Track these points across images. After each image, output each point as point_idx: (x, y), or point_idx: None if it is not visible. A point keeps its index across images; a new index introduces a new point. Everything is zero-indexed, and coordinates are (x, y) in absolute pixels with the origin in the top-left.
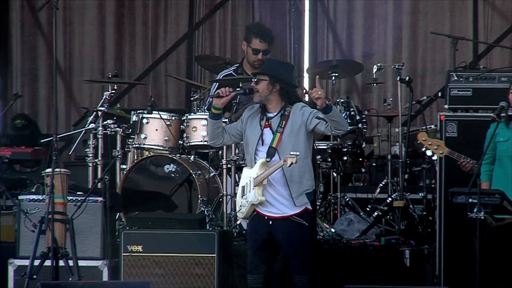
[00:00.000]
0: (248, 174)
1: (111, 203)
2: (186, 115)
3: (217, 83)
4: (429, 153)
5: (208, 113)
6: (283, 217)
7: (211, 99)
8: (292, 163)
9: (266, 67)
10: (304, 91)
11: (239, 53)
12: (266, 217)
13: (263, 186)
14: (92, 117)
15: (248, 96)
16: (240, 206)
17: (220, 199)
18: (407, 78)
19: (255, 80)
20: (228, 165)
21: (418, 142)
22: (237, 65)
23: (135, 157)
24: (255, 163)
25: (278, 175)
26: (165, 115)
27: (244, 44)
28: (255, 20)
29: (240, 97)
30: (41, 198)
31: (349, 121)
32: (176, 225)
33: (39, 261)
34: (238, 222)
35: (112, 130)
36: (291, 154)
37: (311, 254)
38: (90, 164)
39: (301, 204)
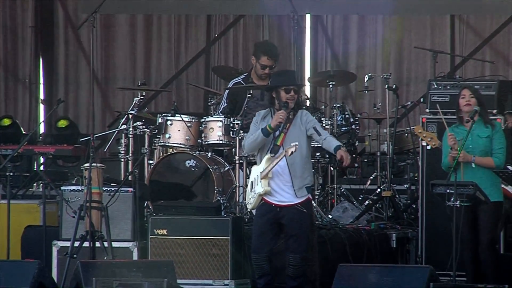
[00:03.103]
0: (256, 170)
1: (140, 193)
2: (204, 117)
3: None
4: (424, 143)
5: (261, 130)
6: (289, 205)
7: (225, 104)
8: (292, 152)
9: (293, 79)
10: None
11: (250, 64)
12: (273, 205)
13: (269, 179)
14: (124, 119)
15: (256, 103)
16: (250, 198)
17: (234, 190)
18: (394, 86)
19: (293, 90)
20: (240, 161)
21: (415, 133)
22: (246, 74)
23: (161, 154)
24: None
25: (282, 169)
26: (186, 118)
27: (253, 59)
28: (264, 36)
29: (250, 103)
30: (80, 189)
31: (344, 123)
32: (196, 212)
33: (78, 242)
34: (248, 210)
35: (141, 130)
36: (290, 145)
37: (307, 238)
38: (122, 160)
39: (302, 195)
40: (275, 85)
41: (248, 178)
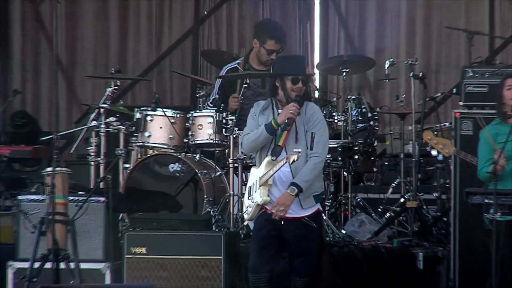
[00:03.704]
0: (255, 174)
1: (114, 203)
2: (191, 112)
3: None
4: (434, 152)
5: (265, 127)
6: (295, 218)
7: (217, 95)
8: (294, 160)
9: (301, 68)
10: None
11: (246, 47)
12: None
13: (269, 186)
14: (94, 114)
15: (254, 91)
16: (247, 207)
17: (227, 200)
18: (421, 74)
19: (301, 81)
20: (235, 164)
21: (423, 141)
22: (243, 58)
23: (139, 156)
24: None
25: (286, 174)
26: (169, 112)
27: (256, 43)
28: (264, 14)
29: (247, 92)
30: (41, 198)
31: (360, 118)
32: (181, 226)
33: (39, 263)
34: (245, 223)
35: (115, 127)
36: (293, 151)
37: (315, 257)
38: (92, 163)
39: (308, 206)
40: (281, 73)
41: (245, 184)
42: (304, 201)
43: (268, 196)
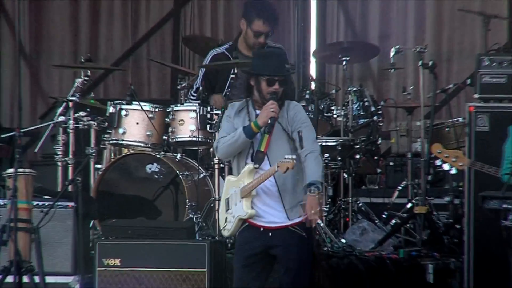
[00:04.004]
0: (233, 184)
1: (84, 209)
2: (171, 106)
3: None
4: (446, 167)
5: (244, 130)
6: (281, 227)
7: (201, 86)
8: (288, 169)
9: (278, 67)
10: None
11: (234, 33)
12: (262, 228)
13: (252, 197)
14: (61, 108)
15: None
16: (225, 222)
17: (212, 204)
18: (431, 62)
19: (277, 82)
20: (221, 165)
21: (433, 155)
22: (231, 43)
23: (112, 155)
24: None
25: (268, 183)
26: (147, 106)
27: (243, 23)
28: None
29: (236, 82)
30: (1, 203)
31: (362, 113)
32: (160, 234)
33: None
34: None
35: (85, 123)
36: (286, 158)
37: (308, 271)
38: (60, 164)
39: (295, 217)
40: (255, 72)
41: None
42: (291, 211)
43: (253, 208)
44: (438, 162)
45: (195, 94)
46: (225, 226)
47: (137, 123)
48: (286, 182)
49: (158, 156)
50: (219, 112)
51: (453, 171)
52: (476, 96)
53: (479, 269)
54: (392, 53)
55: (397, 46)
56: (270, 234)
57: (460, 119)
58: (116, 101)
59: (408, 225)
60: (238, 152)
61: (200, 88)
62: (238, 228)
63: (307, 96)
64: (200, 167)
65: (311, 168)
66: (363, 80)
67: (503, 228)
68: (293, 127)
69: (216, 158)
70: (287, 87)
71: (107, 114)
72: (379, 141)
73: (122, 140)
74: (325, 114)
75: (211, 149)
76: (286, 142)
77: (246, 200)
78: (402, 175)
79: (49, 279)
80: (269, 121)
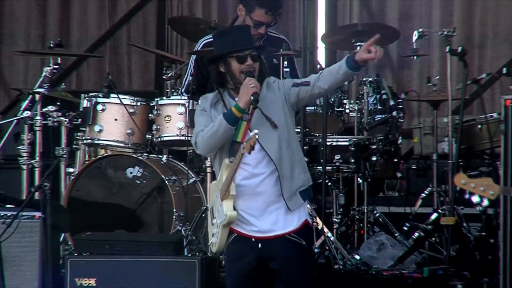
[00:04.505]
0: (215, 189)
1: (53, 220)
2: (156, 99)
3: (196, 56)
4: (476, 199)
5: (224, 116)
6: (277, 236)
7: (191, 79)
8: (251, 147)
9: (246, 39)
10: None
11: (229, 14)
12: (253, 239)
13: (233, 197)
14: (27, 102)
15: None
16: (212, 235)
17: (203, 215)
18: (460, 48)
19: (249, 57)
20: (213, 169)
21: (458, 188)
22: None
23: (87, 157)
24: None
25: (266, 172)
26: (127, 100)
27: (241, 10)
28: None
29: None
30: None
31: (379, 107)
32: (143, 249)
33: None
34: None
35: (55, 119)
36: (248, 136)
37: (311, 283)
38: (25, 167)
39: (296, 207)
40: (222, 52)
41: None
42: (291, 201)
43: (235, 210)
44: (467, 196)
45: (183, 93)
46: (212, 240)
47: (116, 120)
48: (283, 167)
49: (140, 158)
50: None
51: (485, 203)
52: None
53: None
54: (414, 38)
55: (420, 29)
56: (259, 246)
57: (495, 114)
58: (91, 94)
59: (433, 239)
60: (221, 144)
61: (191, 78)
62: (225, 240)
63: None
64: (189, 171)
65: (332, 66)
66: (381, 69)
67: None
68: (286, 89)
69: (209, 160)
70: (262, 64)
71: (81, 109)
72: (400, 141)
73: (98, 139)
74: (336, 109)
75: None
76: (279, 118)
77: (226, 201)
78: (427, 180)
79: None
80: (251, 98)
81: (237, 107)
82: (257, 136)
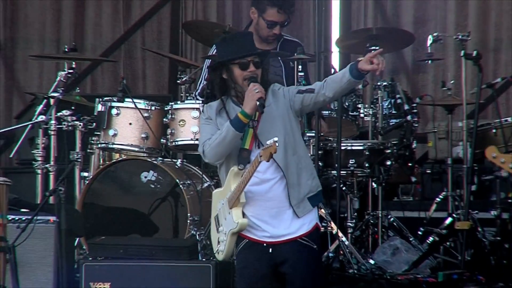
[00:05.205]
0: (220, 197)
1: (68, 224)
2: (170, 104)
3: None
4: (505, 173)
5: (231, 122)
6: (289, 240)
7: (205, 83)
8: (271, 154)
9: (249, 45)
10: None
11: (243, 18)
12: (264, 244)
13: (242, 205)
14: (41, 106)
15: None
16: (218, 243)
17: None
18: (475, 52)
19: (252, 63)
20: (219, 176)
21: (488, 160)
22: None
23: (101, 161)
24: None
25: (275, 177)
26: (142, 104)
27: (254, 12)
28: None
29: None
30: None
31: (394, 112)
32: (157, 254)
33: None
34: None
35: (69, 124)
36: (267, 144)
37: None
38: (39, 171)
39: (304, 214)
40: (224, 60)
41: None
42: (299, 207)
43: (244, 217)
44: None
45: (199, 97)
46: (217, 248)
47: (130, 124)
48: (290, 172)
49: (154, 162)
50: None
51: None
52: None
53: None
54: (429, 42)
55: (435, 34)
56: (270, 250)
57: (510, 119)
58: (106, 98)
59: (448, 243)
60: (229, 151)
61: (204, 83)
62: (232, 247)
63: None
64: (203, 175)
65: (336, 74)
66: (395, 73)
67: None
68: (291, 96)
69: None
70: (264, 70)
71: (95, 113)
72: (414, 145)
73: (113, 143)
74: (351, 113)
75: None
76: (285, 124)
77: (235, 209)
78: (441, 184)
79: None
80: (257, 103)
81: (243, 113)
82: (277, 144)
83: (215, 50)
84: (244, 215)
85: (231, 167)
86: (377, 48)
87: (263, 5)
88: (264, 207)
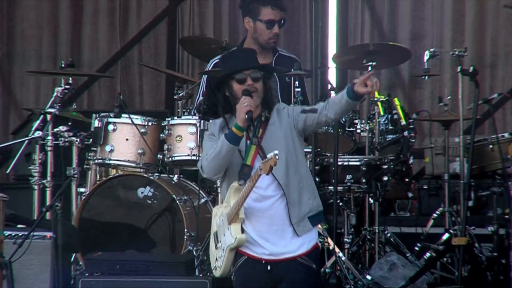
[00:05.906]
0: (220, 213)
1: (65, 240)
2: (167, 119)
3: (207, 76)
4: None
5: (225, 136)
6: (287, 259)
7: (202, 99)
8: (271, 168)
9: (248, 60)
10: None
11: (240, 33)
12: (263, 261)
13: (241, 221)
14: (38, 122)
15: None
16: (216, 259)
17: None
18: (471, 68)
19: (250, 78)
20: (221, 193)
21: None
22: (237, 48)
23: (98, 177)
24: None
25: (276, 195)
26: (138, 120)
27: (248, 21)
28: None
29: None
30: None
31: (391, 127)
32: (154, 269)
33: None
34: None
35: (66, 139)
36: (267, 158)
37: None
38: (36, 187)
39: (304, 233)
40: (223, 76)
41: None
42: (299, 226)
43: (243, 233)
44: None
45: (196, 113)
46: (215, 264)
47: (127, 139)
48: (290, 192)
49: (151, 178)
50: None
51: None
52: None
53: None
54: (426, 57)
55: (431, 49)
56: (274, 267)
57: (506, 134)
58: (103, 114)
59: (445, 259)
60: (225, 165)
61: (201, 99)
62: (230, 263)
63: None
64: (200, 191)
65: (337, 95)
66: (392, 89)
67: None
68: (295, 115)
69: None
70: (266, 84)
71: (92, 129)
72: (411, 161)
73: (110, 159)
74: (347, 129)
75: None
76: (288, 143)
77: (234, 225)
78: (438, 200)
79: None
80: (246, 117)
81: (236, 126)
82: (277, 157)
83: (212, 65)
84: (243, 230)
85: (224, 187)
86: (374, 63)
87: (255, 9)
88: (264, 224)
